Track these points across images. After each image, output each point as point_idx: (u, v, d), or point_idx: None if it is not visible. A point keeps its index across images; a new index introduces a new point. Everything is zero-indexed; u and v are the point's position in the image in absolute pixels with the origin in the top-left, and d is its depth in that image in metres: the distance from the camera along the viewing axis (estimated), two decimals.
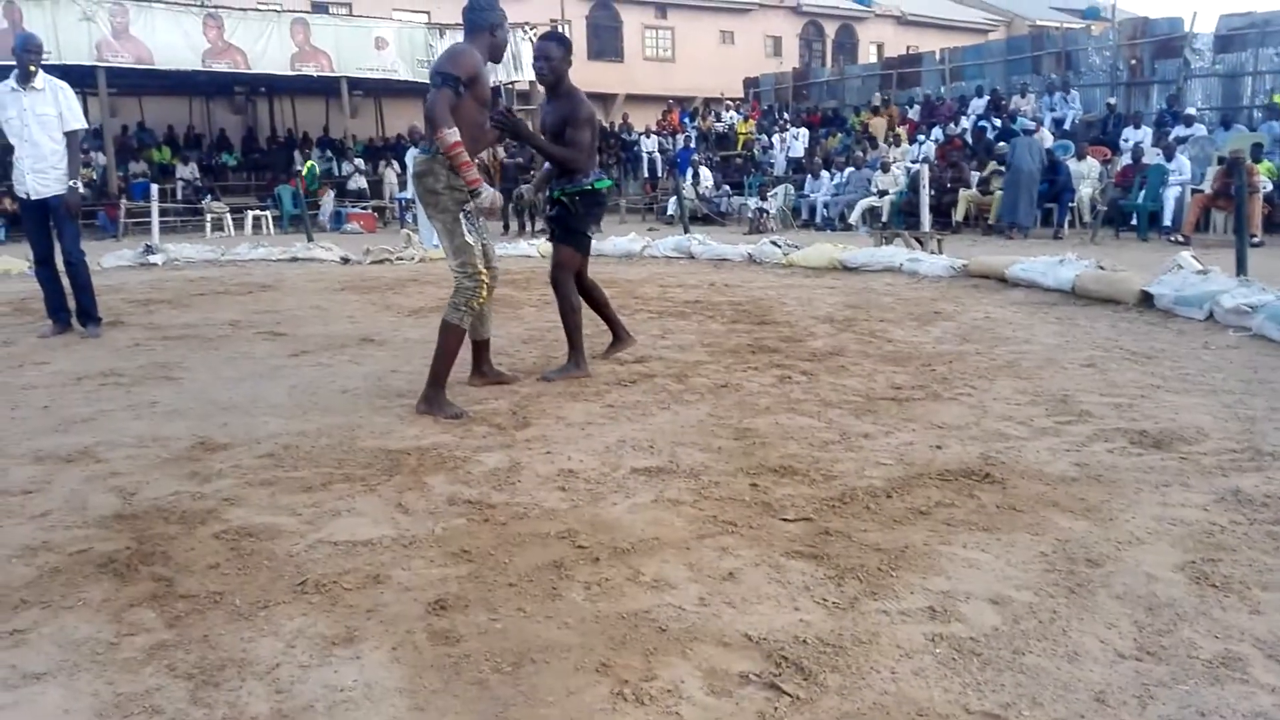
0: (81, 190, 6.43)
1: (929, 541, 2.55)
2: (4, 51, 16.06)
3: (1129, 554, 2.44)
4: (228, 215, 18.54)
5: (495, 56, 4.22)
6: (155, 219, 13.53)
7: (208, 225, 18.07)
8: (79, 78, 15.22)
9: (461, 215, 4.04)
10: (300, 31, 20.58)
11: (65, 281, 6.38)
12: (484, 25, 4.14)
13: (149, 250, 11.70)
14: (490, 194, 4.04)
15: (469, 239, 4.05)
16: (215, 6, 20.81)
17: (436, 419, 3.93)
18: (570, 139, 4.58)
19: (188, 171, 21.70)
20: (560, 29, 27.17)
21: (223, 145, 24.56)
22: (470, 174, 3.95)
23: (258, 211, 18.94)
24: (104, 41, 18.47)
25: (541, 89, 4.87)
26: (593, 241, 5.01)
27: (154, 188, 14.70)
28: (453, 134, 3.86)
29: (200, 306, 7.75)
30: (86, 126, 6.62)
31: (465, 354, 4.31)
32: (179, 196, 20.17)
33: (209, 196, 19.75)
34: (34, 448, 3.62)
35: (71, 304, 6.42)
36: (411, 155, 12.42)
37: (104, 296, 6.71)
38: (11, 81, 6.08)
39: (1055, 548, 2.49)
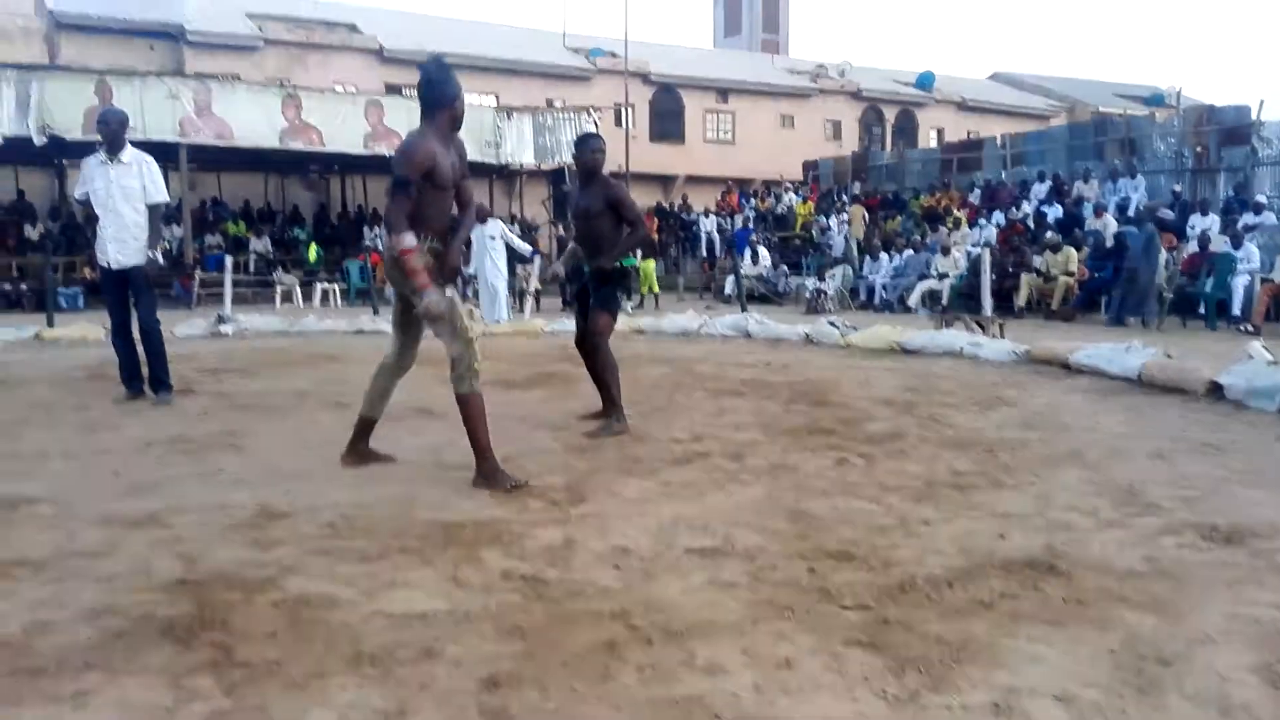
0: (160, 260, 6.68)
1: (992, 634, 2.49)
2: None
3: (1200, 653, 2.35)
4: (297, 288, 19.07)
5: (456, 126, 4.18)
6: (228, 290, 13.96)
7: (277, 297, 18.58)
8: (161, 153, 15.87)
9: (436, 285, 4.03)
10: (375, 112, 21.33)
11: (140, 349, 6.59)
12: (444, 102, 4.09)
13: (221, 320, 12.06)
14: (432, 299, 3.96)
15: (450, 300, 4.06)
16: (295, 87, 21.71)
17: (493, 493, 3.94)
18: (628, 218, 5.32)
19: (260, 245, 22.41)
20: (624, 112, 27.85)
21: (295, 220, 25.36)
22: (419, 279, 3.94)
23: (326, 284, 19.46)
24: (187, 119, 19.33)
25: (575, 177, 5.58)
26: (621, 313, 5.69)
27: (228, 259, 15.21)
28: (406, 239, 3.90)
29: (268, 376, 7.93)
30: (168, 200, 6.90)
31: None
32: (251, 269, 20.82)
33: (279, 269, 20.35)
34: (103, 511, 3.71)
35: (145, 371, 6.60)
36: (479, 233, 12.71)
37: (176, 364, 6.90)
38: (100, 154, 6.38)
39: (1123, 644, 2.41)
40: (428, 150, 3.98)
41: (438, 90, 4.07)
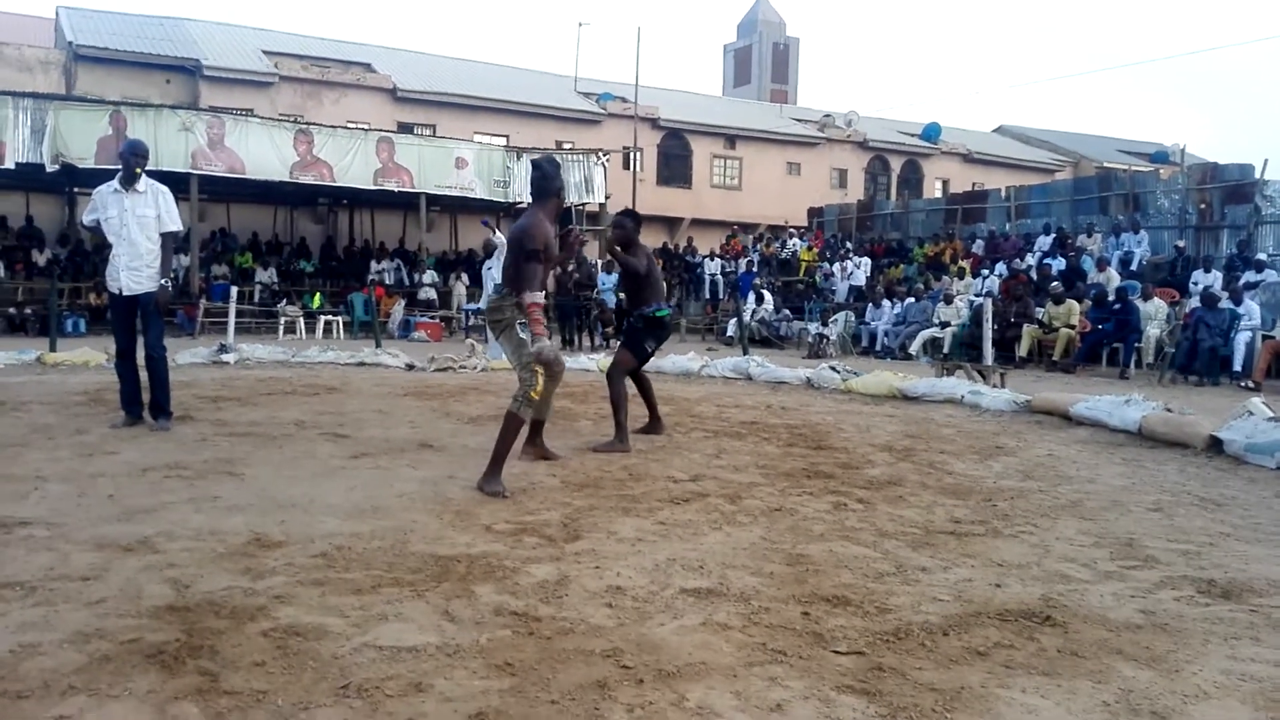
0: (170, 289, 6.71)
1: (986, 684, 2.47)
2: (109, 156, 17.21)
3: (1196, 709, 2.33)
4: (301, 319, 19.12)
5: (560, 210, 5.04)
6: (232, 320, 14.01)
7: (280, 328, 18.63)
8: (173, 183, 16.00)
9: (519, 324, 4.81)
10: (385, 149, 21.55)
11: (143, 376, 6.60)
12: (553, 191, 4.93)
13: (223, 349, 12.09)
14: (543, 346, 4.74)
15: (524, 335, 4.78)
16: (308, 123, 21.93)
17: (483, 490, 4.53)
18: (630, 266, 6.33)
19: (266, 276, 22.52)
20: (633, 156, 28.10)
21: (301, 252, 25.49)
22: (538, 329, 4.71)
23: (330, 316, 19.52)
24: (200, 151, 19.54)
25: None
26: (653, 357, 6.53)
27: (233, 290, 15.27)
28: (536, 297, 4.67)
29: (267, 405, 7.93)
30: (182, 229, 6.95)
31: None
32: (256, 299, 20.90)
33: (285, 300, 20.42)
34: (96, 535, 3.69)
35: (145, 397, 6.61)
36: (485, 267, 12.92)
37: (176, 392, 6.90)
38: (115, 183, 6.42)
39: (1119, 697, 2.39)
40: (545, 229, 4.80)
41: (549, 182, 4.92)
